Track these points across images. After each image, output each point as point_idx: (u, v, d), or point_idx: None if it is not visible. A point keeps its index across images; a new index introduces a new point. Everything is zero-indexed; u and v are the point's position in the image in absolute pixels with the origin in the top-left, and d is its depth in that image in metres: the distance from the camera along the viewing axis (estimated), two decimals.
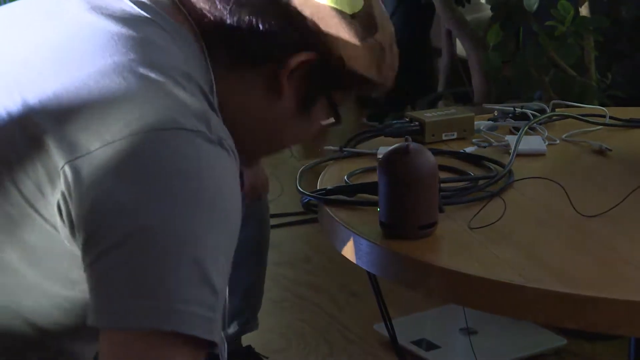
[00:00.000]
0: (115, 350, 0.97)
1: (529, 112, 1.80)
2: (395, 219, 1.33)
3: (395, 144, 1.34)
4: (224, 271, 1.02)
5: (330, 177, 1.58)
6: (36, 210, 1.02)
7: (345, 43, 1.13)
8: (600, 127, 1.81)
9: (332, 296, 2.95)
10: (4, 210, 1.03)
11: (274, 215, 3.53)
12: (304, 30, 1.12)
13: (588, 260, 1.29)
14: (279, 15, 1.11)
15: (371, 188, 1.45)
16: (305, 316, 2.86)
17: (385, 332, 2.25)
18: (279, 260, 3.23)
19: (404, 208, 1.32)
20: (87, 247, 1.00)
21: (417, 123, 1.72)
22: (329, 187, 1.49)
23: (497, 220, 1.37)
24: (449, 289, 1.27)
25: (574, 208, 1.41)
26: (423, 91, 3.95)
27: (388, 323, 1.92)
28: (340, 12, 1.13)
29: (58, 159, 1.00)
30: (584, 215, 1.40)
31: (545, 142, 1.71)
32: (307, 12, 1.12)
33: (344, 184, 1.51)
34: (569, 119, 1.83)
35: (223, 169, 1.04)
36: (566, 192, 1.43)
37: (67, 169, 0.99)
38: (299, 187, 1.53)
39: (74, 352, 1.14)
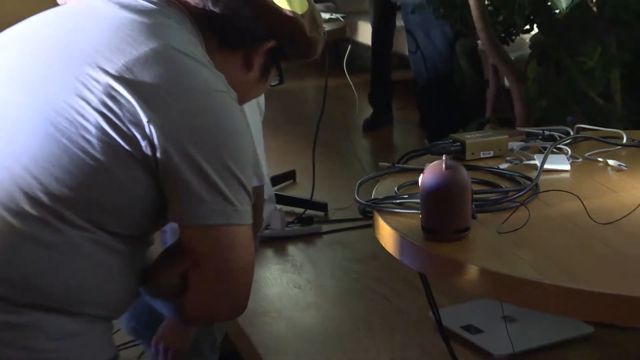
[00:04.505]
0: (205, 239, 1.24)
1: (555, 134, 1.76)
2: (434, 224, 1.30)
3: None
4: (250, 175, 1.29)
5: (383, 189, 1.56)
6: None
7: (298, 33, 1.35)
8: (618, 147, 1.76)
9: (395, 288, 2.92)
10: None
11: (347, 220, 3.51)
12: (270, 25, 1.34)
13: (599, 261, 1.25)
14: (253, 14, 1.32)
15: (415, 198, 1.43)
16: (371, 304, 2.83)
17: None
18: (350, 257, 3.22)
19: (441, 215, 1.30)
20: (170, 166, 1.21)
21: (459, 143, 1.69)
22: (380, 197, 1.47)
23: (522, 227, 1.34)
24: (477, 284, 1.24)
25: (590, 216, 1.36)
26: (474, 117, 3.90)
27: (435, 311, 1.89)
28: (293, 12, 1.34)
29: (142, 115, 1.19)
30: (598, 223, 1.35)
31: (569, 160, 1.66)
32: (270, 12, 1.33)
33: (394, 194, 1.50)
34: (591, 141, 1.79)
35: (241, 117, 1.28)
36: (582, 203, 1.39)
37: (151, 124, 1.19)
38: (357, 197, 1.52)
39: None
